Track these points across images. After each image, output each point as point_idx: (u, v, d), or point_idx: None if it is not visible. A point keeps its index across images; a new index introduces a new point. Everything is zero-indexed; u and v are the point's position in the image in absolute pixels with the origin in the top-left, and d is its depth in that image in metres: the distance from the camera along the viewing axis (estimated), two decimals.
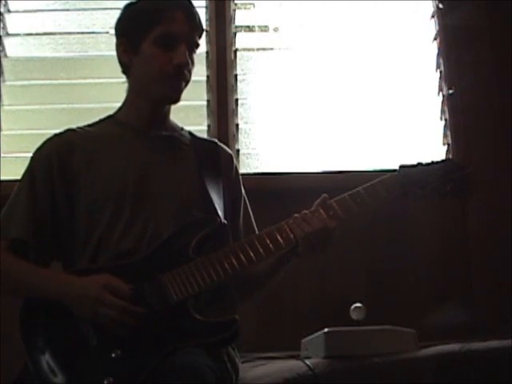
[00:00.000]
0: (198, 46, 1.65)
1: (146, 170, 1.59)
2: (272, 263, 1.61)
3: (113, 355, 1.37)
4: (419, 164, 1.61)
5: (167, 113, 1.70)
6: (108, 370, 1.36)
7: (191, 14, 1.63)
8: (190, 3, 1.64)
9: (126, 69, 1.67)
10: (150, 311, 1.41)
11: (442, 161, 1.64)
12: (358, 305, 1.83)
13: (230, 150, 1.81)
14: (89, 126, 1.69)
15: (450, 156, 2.55)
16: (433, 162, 1.61)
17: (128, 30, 1.64)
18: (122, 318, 1.38)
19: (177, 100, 1.64)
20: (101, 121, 1.71)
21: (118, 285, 1.42)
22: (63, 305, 1.42)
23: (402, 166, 1.59)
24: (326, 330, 1.69)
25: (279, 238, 1.50)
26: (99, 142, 1.63)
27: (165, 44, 1.58)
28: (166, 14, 1.59)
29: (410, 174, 1.58)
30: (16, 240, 1.54)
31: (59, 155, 1.60)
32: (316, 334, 1.74)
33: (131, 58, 1.63)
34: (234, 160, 1.77)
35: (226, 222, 1.58)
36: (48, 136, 1.65)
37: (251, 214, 1.75)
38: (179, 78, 1.61)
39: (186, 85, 1.63)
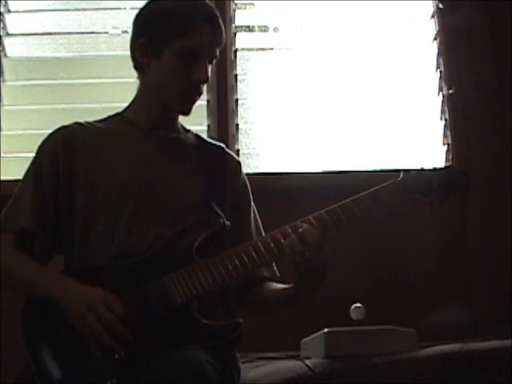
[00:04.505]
0: (216, 57, 1.63)
1: (149, 170, 1.58)
2: (280, 301, 1.61)
3: (116, 356, 1.36)
4: (422, 170, 1.59)
5: (176, 115, 1.69)
6: (111, 370, 1.35)
7: (219, 29, 1.60)
8: (218, 16, 1.61)
9: (140, 68, 1.64)
10: (154, 313, 1.41)
11: (445, 168, 1.63)
12: (358, 305, 1.82)
13: (237, 158, 1.80)
14: (97, 121, 1.68)
15: (450, 156, 2.55)
16: (435, 169, 1.60)
17: (152, 33, 1.59)
18: (104, 336, 1.35)
19: (188, 113, 1.64)
20: (109, 117, 1.70)
21: (114, 302, 1.39)
22: (56, 304, 1.41)
23: (405, 173, 1.57)
24: (325, 330, 1.69)
25: (283, 242, 1.48)
26: (105, 139, 1.62)
27: (187, 57, 1.56)
28: (194, 26, 1.56)
29: (414, 180, 1.56)
30: (22, 231, 1.54)
31: (65, 147, 1.59)
32: (316, 334, 1.74)
33: (150, 60, 1.60)
34: (242, 169, 1.75)
35: (229, 223, 1.57)
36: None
37: (260, 224, 1.73)
38: (195, 94, 1.60)
39: (199, 97, 1.62)
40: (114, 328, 1.36)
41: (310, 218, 1.51)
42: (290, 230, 1.49)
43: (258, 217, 1.74)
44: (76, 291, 1.42)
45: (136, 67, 1.66)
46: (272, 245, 1.49)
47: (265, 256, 1.48)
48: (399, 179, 1.56)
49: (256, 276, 1.64)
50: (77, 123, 1.65)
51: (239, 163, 1.76)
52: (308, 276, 1.45)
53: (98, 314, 1.37)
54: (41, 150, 1.62)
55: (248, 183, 1.75)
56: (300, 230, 1.44)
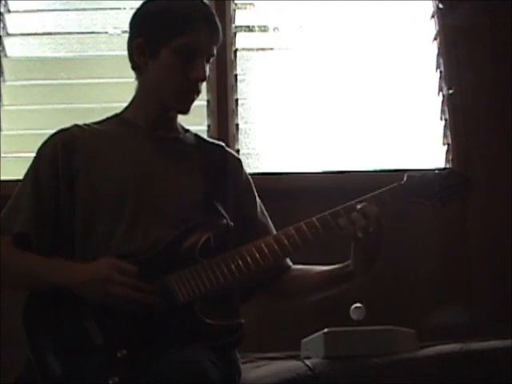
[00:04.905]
0: (214, 56, 1.64)
1: (148, 171, 1.58)
2: (322, 284, 1.62)
3: (118, 355, 1.37)
4: (425, 172, 1.59)
5: (175, 115, 1.69)
6: (113, 369, 1.35)
7: (216, 27, 1.61)
8: (214, 14, 1.62)
9: (137, 68, 1.64)
10: (156, 312, 1.41)
11: (447, 171, 1.63)
12: (358, 305, 1.82)
13: (238, 156, 1.81)
14: (95, 123, 1.68)
15: (450, 156, 2.55)
16: (438, 172, 1.60)
17: (149, 33, 1.60)
18: (133, 294, 1.39)
19: (187, 112, 1.64)
20: (108, 119, 1.71)
21: (125, 264, 1.43)
22: (71, 291, 1.42)
23: (408, 176, 1.57)
24: (325, 330, 1.69)
25: (286, 243, 1.50)
26: (103, 141, 1.62)
27: (184, 55, 1.56)
28: (191, 25, 1.56)
29: (417, 183, 1.57)
30: (20, 234, 1.54)
31: (65, 149, 1.59)
32: (316, 334, 1.74)
33: (147, 60, 1.60)
34: (243, 166, 1.75)
35: (232, 224, 1.58)
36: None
37: (269, 219, 1.73)
38: (193, 92, 1.61)
39: (197, 95, 1.63)
40: (137, 286, 1.40)
41: (314, 219, 1.51)
42: (293, 231, 1.51)
43: (265, 213, 1.74)
44: (85, 270, 1.43)
45: (134, 68, 1.66)
46: (276, 246, 1.50)
47: (268, 257, 1.49)
48: (403, 182, 1.57)
49: (281, 265, 1.65)
50: (76, 125, 1.65)
51: (240, 160, 1.76)
52: (368, 251, 1.50)
53: (117, 282, 1.39)
54: (40, 153, 1.62)
55: (251, 179, 1.75)
56: (359, 207, 1.48)
